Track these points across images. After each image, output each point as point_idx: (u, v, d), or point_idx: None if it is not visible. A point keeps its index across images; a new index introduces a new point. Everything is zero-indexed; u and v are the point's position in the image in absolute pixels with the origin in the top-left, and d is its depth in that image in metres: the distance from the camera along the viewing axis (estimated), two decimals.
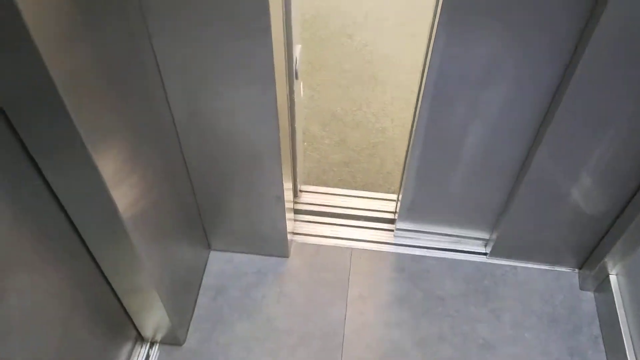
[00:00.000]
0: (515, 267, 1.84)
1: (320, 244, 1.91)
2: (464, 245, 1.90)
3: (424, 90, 1.39)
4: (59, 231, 1.11)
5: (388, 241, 1.91)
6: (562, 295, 1.77)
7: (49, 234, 1.08)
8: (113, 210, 1.07)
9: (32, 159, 0.98)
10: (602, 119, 1.33)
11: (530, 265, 1.85)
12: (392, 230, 1.93)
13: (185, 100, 1.33)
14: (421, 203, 1.77)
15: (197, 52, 1.20)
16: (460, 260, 1.85)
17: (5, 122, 0.90)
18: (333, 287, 1.78)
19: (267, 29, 1.12)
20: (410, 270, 1.82)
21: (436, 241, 1.91)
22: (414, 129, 1.52)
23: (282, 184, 1.54)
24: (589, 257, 1.77)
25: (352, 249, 1.89)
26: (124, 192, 1.10)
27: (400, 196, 1.77)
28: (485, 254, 1.88)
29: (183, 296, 1.64)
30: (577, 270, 1.84)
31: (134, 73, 1.14)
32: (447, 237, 1.90)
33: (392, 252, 1.88)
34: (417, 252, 1.88)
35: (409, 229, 1.89)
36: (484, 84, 1.34)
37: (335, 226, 1.96)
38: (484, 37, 1.24)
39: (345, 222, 1.96)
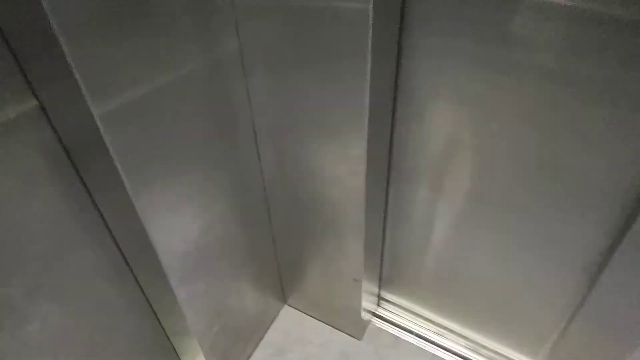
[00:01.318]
0: None
1: (400, 336, 1.71)
2: None
3: None
4: (113, 263, 1.11)
5: (472, 357, 1.64)
6: None
7: (100, 268, 1.08)
8: (151, 249, 1.03)
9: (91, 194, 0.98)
10: None
11: None
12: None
13: (275, 161, 1.27)
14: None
15: (292, 114, 1.13)
16: None
17: (69, 161, 0.91)
18: None
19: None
20: None
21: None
22: None
23: (363, 267, 1.40)
24: None
25: (433, 355, 1.66)
26: (163, 230, 1.05)
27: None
28: None
29: (236, 346, 1.57)
30: None
31: (219, 109, 1.10)
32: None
33: None
34: None
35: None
36: None
37: (422, 321, 1.74)
38: None
39: (434, 318, 1.74)
